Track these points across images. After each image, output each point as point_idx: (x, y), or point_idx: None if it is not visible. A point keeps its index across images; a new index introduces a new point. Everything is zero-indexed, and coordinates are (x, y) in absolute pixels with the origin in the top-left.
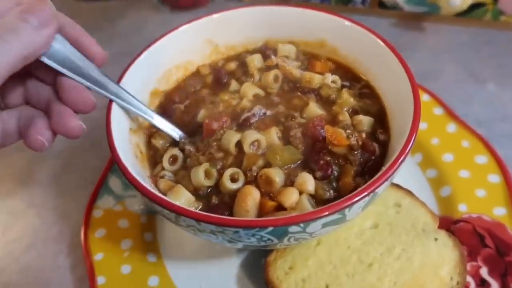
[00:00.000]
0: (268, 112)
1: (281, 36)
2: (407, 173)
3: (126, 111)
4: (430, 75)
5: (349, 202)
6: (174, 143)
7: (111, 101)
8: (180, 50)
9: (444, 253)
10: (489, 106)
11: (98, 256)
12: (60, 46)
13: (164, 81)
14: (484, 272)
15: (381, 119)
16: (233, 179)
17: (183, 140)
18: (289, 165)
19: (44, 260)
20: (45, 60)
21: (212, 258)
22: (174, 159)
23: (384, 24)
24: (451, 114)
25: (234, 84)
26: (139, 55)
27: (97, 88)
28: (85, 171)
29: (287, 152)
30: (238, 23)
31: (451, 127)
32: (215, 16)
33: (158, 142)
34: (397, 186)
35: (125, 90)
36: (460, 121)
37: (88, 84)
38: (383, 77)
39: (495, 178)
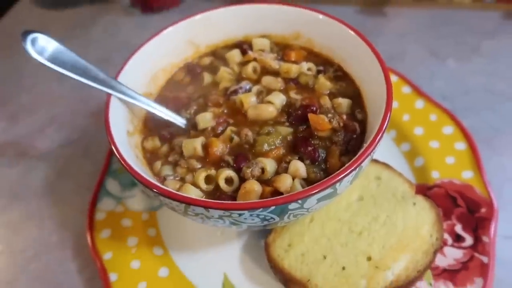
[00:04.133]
0: (254, 88)
1: (259, 32)
2: (384, 148)
3: (124, 110)
4: (396, 56)
5: (339, 177)
6: (167, 141)
7: (109, 95)
8: (164, 53)
9: (422, 215)
10: (451, 81)
11: (107, 256)
12: (57, 49)
13: (153, 85)
14: (458, 228)
15: (357, 100)
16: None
17: (185, 128)
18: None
19: (51, 267)
20: (48, 64)
21: (214, 245)
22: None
23: (350, 12)
24: (418, 91)
25: (207, 76)
26: (126, 61)
27: (95, 84)
28: (79, 178)
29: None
30: (218, 23)
31: (419, 103)
32: (196, 17)
33: (150, 144)
34: (376, 161)
35: (123, 84)
36: (427, 97)
37: (87, 81)
38: (356, 64)
39: (461, 145)
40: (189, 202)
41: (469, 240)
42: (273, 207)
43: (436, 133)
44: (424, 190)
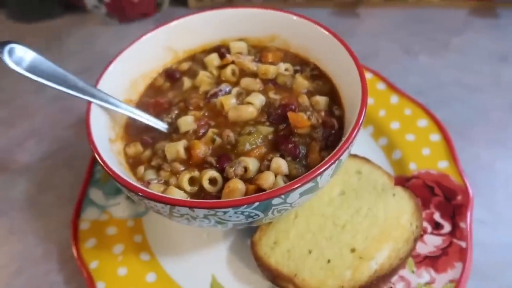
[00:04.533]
0: (233, 90)
1: (235, 36)
2: (363, 144)
3: (105, 117)
4: (370, 55)
5: (319, 171)
6: (149, 145)
7: (89, 103)
8: (142, 60)
9: (402, 205)
10: (424, 76)
11: (93, 264)
12: (35, 59)
13: (133, 91)
14: (437, 216)
15: (334, 97)
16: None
17: (167, 132)
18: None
19: (37, 281)
20: (27, 74)
21: (201, 247)
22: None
23: (323, 14)
24: (392, 87)
25: (186, 81)
26: (106, 68)
27: (75, 93)
28: (61, 190)
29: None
30: (195, 28)
31: (394, 98)
32: (174, 23)
33: (132, 150)
34: (356, 156)
35: (103, 92)
36: (401, 93)
37: (66, 90)
38: (331, 62)
39: (436, 137)
40: (174, 203)
41: (447, 227)
42: (257, 203)
43: (412, 127)
44: (402, 181)
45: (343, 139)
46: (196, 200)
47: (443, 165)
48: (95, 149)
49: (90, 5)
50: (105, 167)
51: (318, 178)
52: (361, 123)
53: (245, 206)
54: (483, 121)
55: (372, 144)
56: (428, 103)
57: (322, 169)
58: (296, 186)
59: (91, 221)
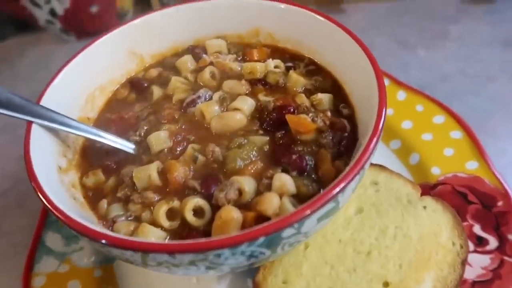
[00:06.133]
0: (215, 95)
1: (211, 33)
2: None
3: (52, 141)
4: None
5: (342, 185)
6: (113, 172)
7: (29, 124)
8: (100, 68)
9: (437, 219)
10: (425, 69)
11: None
12: None
13: (90, 107)
14: (477, 229)
15: (338, 93)
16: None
17: (135, 153)
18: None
19: None
20: None
21: None
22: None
23: None
24: (397, 82)
25: (156, 90)
26: (51, 81)
27: (7, 112)
28: (13, 235)
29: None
30: (162, 27)
31: (401, 95)
32: (135, 22)
33: (91, 180)
34: None
35: (48, 109)
36: (408, 88)
37: None
38: (331, 53)
39: (457, 134)
40: (145, 249)
41: (493, 242)
42: (262, 239)
43: (427, 124)
44: (427, 190)
45: (364, 141)
46: (177, 242)
47: (472, 166)
48: (35, 182)
49: (42, 20)
50: (47, 205)
51: (340, 195)
52: (384, 115)
53: (246, 244)
54: (502, 112)
55: (382, 149)
56: (438, 98)
57: (345, 182)
58: (314, 209)
59: (47, 275)
